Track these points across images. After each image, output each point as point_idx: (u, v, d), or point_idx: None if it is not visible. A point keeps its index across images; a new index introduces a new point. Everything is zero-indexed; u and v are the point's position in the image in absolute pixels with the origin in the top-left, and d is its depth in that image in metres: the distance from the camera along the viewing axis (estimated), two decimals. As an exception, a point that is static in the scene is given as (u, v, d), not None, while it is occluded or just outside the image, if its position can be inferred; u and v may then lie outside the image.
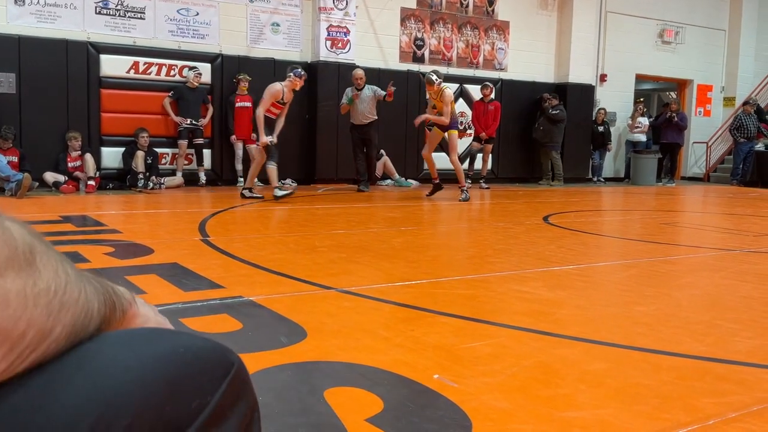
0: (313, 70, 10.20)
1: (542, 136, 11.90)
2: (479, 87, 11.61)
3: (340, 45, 10.32)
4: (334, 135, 10.33)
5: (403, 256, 4.40)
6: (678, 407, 1.90)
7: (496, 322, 2.79)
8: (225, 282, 3.32)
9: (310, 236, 5.15)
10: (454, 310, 2.95)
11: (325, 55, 10.26)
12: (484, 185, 10.82)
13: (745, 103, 13.73)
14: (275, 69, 9.97)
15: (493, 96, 10.96)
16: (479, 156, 10.96)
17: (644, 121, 13.40)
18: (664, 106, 14.78)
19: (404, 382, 2.04)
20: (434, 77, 8.00)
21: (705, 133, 14.85)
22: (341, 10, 10.27)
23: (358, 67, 10.30)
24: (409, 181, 10.76)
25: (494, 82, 11.91)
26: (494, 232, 5.98)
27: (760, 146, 13.13)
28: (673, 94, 15.86)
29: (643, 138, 13.47)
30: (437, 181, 8.77)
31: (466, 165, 10.59)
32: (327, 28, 10.23)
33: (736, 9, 14.87)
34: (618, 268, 4.40)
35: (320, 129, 10.33)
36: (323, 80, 10.30)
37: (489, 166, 11.26)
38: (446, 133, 8.33)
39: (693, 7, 14.28)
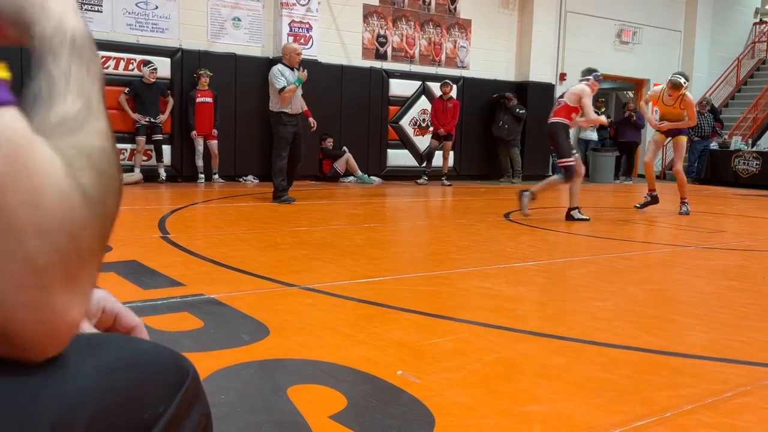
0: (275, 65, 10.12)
1: (507, 134, 12.04)
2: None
3: (302, 41, 10.25)
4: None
5: (365, 253, 4.40)
6: (635, 400, 1.94)
7: (458, 318, 2.81)
8: (185, 280, 3.28)
9: (272, 233, 5.12)
10: (417, 307, 2.97)
11: (288, 50, 10.18)
12: (446, 182, 10.87)
13: (700, 103, 14.09)
14: (236, 64, 9.86)
15: (453, 94, 11.03)
16: (438, 153, 11.01)
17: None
18: (623, 105, 15.08)
19: (367, 378, 2.04)
20: (682, 80, 6.87)
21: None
22: (303, 5, 10.21)
23: (319, 62, 10.26)
24: (372, 177, 10.77)
25: (456, 80, 11.99)
26: (456, 229, 6.02)
27: (714, 145, 13.48)
28: (631, 94, 16.18)
29: (594, 136, 13.68)
30: (654, 193, 7.49)
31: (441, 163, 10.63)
32: (289, 24, 10.16)
33: (691, 11, 15.24)
34: (576, 264, 4.48)
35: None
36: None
37: (450, 163, 11.32)
38: (673, 139, 7.24)
39: (650, 9, 14.58)
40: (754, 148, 13.07)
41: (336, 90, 10.76)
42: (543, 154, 13.20)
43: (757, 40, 16.97)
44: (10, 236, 0.47)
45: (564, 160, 6.32)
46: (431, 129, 11.31)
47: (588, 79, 6.51)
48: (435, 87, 11.76)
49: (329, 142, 10.62)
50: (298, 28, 10.25)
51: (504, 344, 2.49)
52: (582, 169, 6.48)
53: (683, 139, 7.14)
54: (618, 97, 18.59)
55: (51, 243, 0.49)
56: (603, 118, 7.20)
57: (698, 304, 3.32)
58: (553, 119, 6.37)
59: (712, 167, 13.30)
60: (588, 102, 6.33)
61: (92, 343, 0.62)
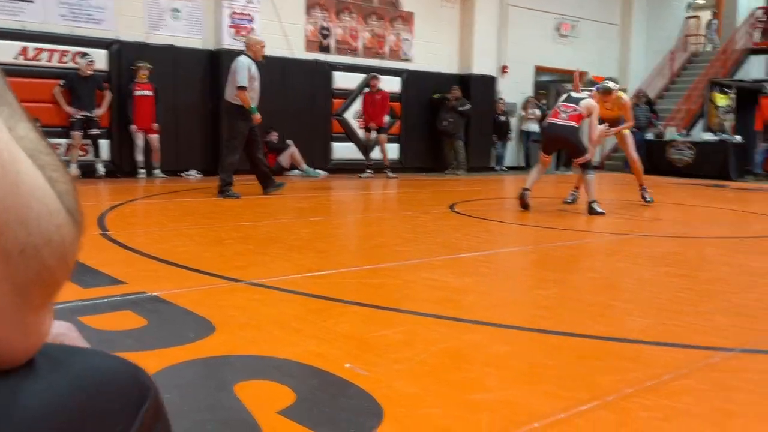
0: (217, 58, 9.94)
1: (452, 128, 12.17)
2: (386, 77, 11.70)
3: (244, 33, 10.09)
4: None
5: (312, 247, 4.38)
6: (579, 386, 1.99)
7: (405, 310, 2.82)
8: (127, 277, 3.19)
9: (217, 229, 5.03)
10: (364, 299, 2.97)
11: (229, 42, 10.01)
12: (390, 174, 10.89)
13: (636, 95, 14.51)
14: (176, 57, 9.63)
15: (381, 86, 11.02)
16: (378, 147, 10.99)
17: (537, 112, 13.83)
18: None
19: (316, 372, 2.03)
20: (611, 84, 6.99)
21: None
22: (244, -4, 10.05)
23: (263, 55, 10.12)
24: (317, 171, 10.70)
25: (401, 72, 12.02)
26: (402, 221, 6.04)
27: (650, 136, 13.91)
28: (570, 86, 16.53)
29: (536, 128, 13.93)
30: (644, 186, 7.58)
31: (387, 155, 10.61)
32: (230, 15, 9.99)
33: (627, 5, 15.66)
34: (520, 253, 4.56)
35: (225, 119, 10.09)
36: (228, 69, 10.04)
37: (391, 155, 11.32)
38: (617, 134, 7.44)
39: (587, 2, 14.92)
40: (688, 138, 13.54)
41: (279, 83, 10.64)
42: (487, 146, 13.39)
43: (689, 33, 17.57)
44: None
45: (582, 158, 6.44)
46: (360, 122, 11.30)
47: (591, 91, 6.75)
48: (380, 79, 11.75)
49: (273, 136, 10.50)
50: (239, 19, 10.08)
51: (451, 334, 2.51)
52: (547, 161, 6.66)
53: (626, 131, 7.35)
54: (558, 89, 18.96)
55: (36, 261, 0.47)
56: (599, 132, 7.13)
57: (638, 291, 3.43)
58: (565, 123, 6.41)
59: (648, 157, 13.70)
60: (595, 120, 6.55)
61: (49, 357, 0.58)
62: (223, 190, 7.02)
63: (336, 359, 2.13)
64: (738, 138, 12.91)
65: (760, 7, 16.33)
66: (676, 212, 7.34)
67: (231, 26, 10.01)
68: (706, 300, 3.19)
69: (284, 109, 10.70)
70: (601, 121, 7.09)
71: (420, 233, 5.22)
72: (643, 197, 7.34)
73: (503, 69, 13.60)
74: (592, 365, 2.20)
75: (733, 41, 16.17)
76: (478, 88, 12.92)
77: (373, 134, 11.02)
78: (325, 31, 11.27)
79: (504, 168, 13.65)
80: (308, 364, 2.08)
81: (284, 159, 10.47)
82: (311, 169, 10.49)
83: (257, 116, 7.15)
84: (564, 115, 6.38)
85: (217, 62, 9.93)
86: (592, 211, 6.26)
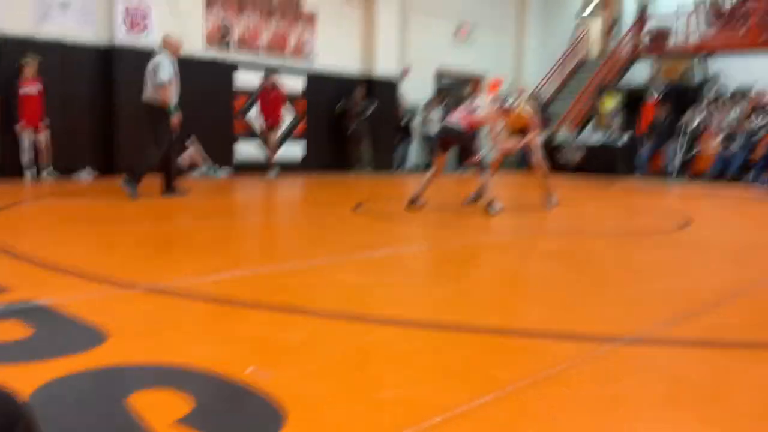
0: (110, 53, 9.52)
1: (360, 132, 12.25)
2: (289, 77, 11.60)
3: (138, 28, 9.72)
4: (137, 123, 9.74)
5: (213, 249, 4.27)
6: (479, 379, 2.05)
7: (309, 311, 2.81)
8: (12, 285, 3.00)
9: (111, 232, 4.82)
10: (267, 302, 2.93)
11: (123, 38, 9.61)
12: (272, 175, 10.52)
13: (531, 98, 15.09)
14: (65, 52, 9.14)
15: (284, 84, 10.92)
16: (290, 146, 10.93)
17: (438, 115, 14.08)
18: (461, 101, 15.76)
19: (217, 378, 1.98)
20: (510, 100, 7.02)
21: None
22: (139, -10, 9.67)
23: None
24: (220, 171, 10.46)
25: (304, 72, 11.94)
26: (307, 222, 6.01)
27: (543, 137, 14.48)
28: (469, 89, 16.97)
29: (436, 130, 14.22)
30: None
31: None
32: (124, 9, 9.58)
33: (521, 10, 16.26)
34: (423, 252, 4.63)
35: (120, 117, 9.68)
36: (122, 65, 9.64)
37: (296, 154, 11.20)
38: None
39: (484, 7, 15.37)
40: (579, 139, 14.21)
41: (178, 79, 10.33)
42: (390, 147, 13.53)
43: (579, 39, 18.44)
44: None
45: (476, 156, 6.55)
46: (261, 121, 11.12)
47: (496, 104, 6.84)
48: (282, 78, 11.63)
49: (172, 135, 10.18)
50: (134, 13, 9.70)
51: (355, 334, 2.52)
52: (442, 161, 6.76)
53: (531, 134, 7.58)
54: (458, 92, 19.42)
55: None
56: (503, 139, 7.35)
57: (532, 285, 3.56)
58: (459, 122, 6.49)
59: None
60: (497, 130, 6.83)
61: None
62: (129, 181, 6.81)
63: (238, 363, 2.09)
64: (625, 139, 13.68)
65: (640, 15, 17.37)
66: (568, 210, 7.68)
67: (125, 21, 9.61)
68: (596, 293, 3.36)
69: (183, 107, 10.40)
70: (506, 126, 7.31)
71: (325, 233, 5.21)
72: (549, 202, 7.49)
73: (405, 71, 13.79)
74: (492, 358, 2.27)
75: (620, 48, 17.11)
76: (381, 90, 13.04)
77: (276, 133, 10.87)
78: (226, 28, 11.03)
79: (407, 168, 13.84)
80: (208, 370, 2.03)
81: (184, 159, 10.17)
82: (213, 168, 10.24)
83: (176, 117, 7.06)
84: (459, 115, 6.55)
85: (109, 58, 9.52)
86: (489, 210, 6.46)
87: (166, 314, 2.70)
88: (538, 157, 7.49)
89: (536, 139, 7.51)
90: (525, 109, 7.24)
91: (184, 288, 3.10)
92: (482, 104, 6.78)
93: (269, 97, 10.75)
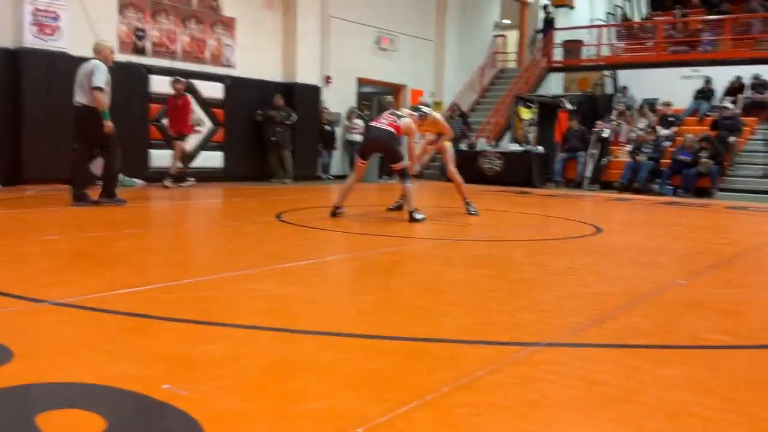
0: (17, 58, 9.07)
1: (281, 141, 12.15)
2: (208, 83, 11.39)
3: (48, 31, 9.31)
4: (46, 130, 9.31)
5: (127, 261, 4.12)
6: (400, 388, 2.05)
7: (229, 323, 2.74)
8: None
9: (16, 244, 4.57)
10: (185, 315, 2.84)
11: (31, 41, 9.18)
12: (168, 184, 9.96)
13: (451, 108, 15.40)
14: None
15: (185, 91, 10.48)
16: (211, 154, 10.63)
17: (360, 123, 14.17)
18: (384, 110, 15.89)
19: (130, 396, 1.91)
20: (424, 108, 7.21)
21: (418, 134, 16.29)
22: (48, -8, 9.28)
23: (70, 56, 9.43)
24: (134, 180, 10.12)
25: (223, 78, 11.74)
26: (227, 232, 5.89)
27: (463, 146, 14.79)
28: (391, 98, 17.13)
29: (359, 138, 14.28)
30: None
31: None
32: (32, 12, 9.16)
33: (441, 21, 16.57)
34: (345, 261, 4.63)
35: (28, 124, 9.22)
36: (30, 70, 9.21)
37: (214, 163, 10.95)
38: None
39: (405, 18, 15.57)
40: (497, 149, 14.58)
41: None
42: (313, 155, 13.47)
43: (496, 51, 18.96)
44: None
45: (399, 164, 6.53)
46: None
47: (413, 115, 6.90)
48: (201, 85, 11.40)
49: (84, 143, 9.78)
50: (43, 16, 9.29)
51: (277, 345, 2.48)
52: (362, 167, 6.75)
53: (447, 144, 7.71)
54: (379, 101, 19.59)
55: None
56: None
57: (454, 292, 3.62)
58: (384, 126, 6.50)
59: (462, 166, 14.54)
60: (413, 141, 6.89)
61: None
62: (110, 195, 7.12)
63: (153, 380, 2.02)
64: (540, 149, 14.13)
65: (536, 30, 18.07)
66: (486, 218, 7.85)
67: (33, 23, 9.19)
68: (514, 299, 3.44)
69: (95, 114, 10.03)
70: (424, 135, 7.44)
71: (245, 243, 5.12)
72: (468, 211, 7.62)
73: (327, 79, 13.78)
74: (413, 366, 2.28)
75: (535, 60, 17.70)
76: (303, 98, 12.98)
77: (188, 141, 10.46)
78: (140, 33, 10.71)
79: (330, 176, 13.81)
80: (122, 388, 1.95)
81: (95, 166, 9.77)
82: (127, 177, 9.88)
83: (109, 124, 7.03)
84: (384, 121, 6.59)
85: (16, 62, 9.08)
86: (412, 219, 6.52)
87: (76, 330, 2.58)
88: (451, 166, 7.64)
89: (450, 149, 7.66)
90: (437, 116, 7.40)
91: (95, 302, 2.97)
92: (403, 113, 6.87)
93: (177, 103, 10.33)
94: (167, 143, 10.55)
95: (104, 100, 6.94)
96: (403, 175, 6.58)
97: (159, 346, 2.39)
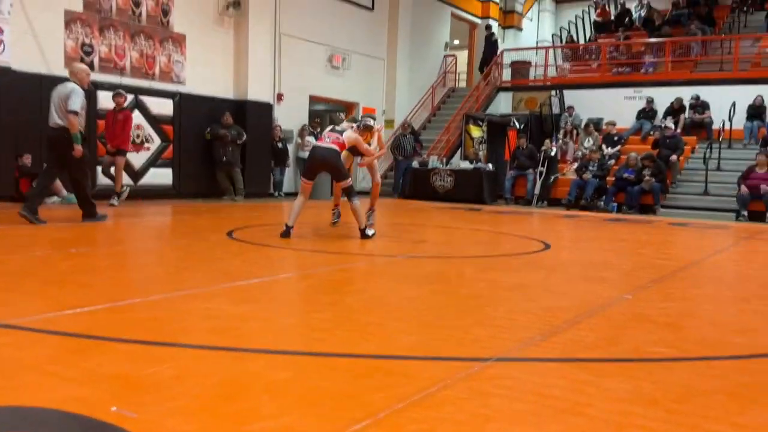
0: (-45, 71, 8.80)
1: (232, 159, 12.06)
2: (157, 99, 11.24)
3: (-10, 45, 9.06)
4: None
5: (73, 281, 4.02)
6: (353, 405, 2.05)
7: (179, 344, 2.70)
8: None
9: (-45, 264, 4.41)
10: (134, 335, 2.79)
11: (-29, 55, 8.93)
12: (114, 202, 9.58)
13: (403, 126, 15.55)
14: None
15: (126, 105, 10.14)
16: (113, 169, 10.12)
17: (312, 140, 14.14)
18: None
19: (76, 419, 1.86)
20: (372, 122, 7.26)
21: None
22: (-9, 5, 9.03)
23: (12, 70, 9.20)
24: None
25: (173, 95, 11.60)
26: (177, 250, 5.80)
27: (415, 164, 14.92)
28: (342, 115, 17.19)
29: None
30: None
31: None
32: (-28, 25, 8.91)
33: (392, 41, 16.75)
34: (297, 278, 4.60)
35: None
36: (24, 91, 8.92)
37: (164, 180, 10.75)
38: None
39: (356, 36, 15.68)
40: (448, 167, 14.76)
41: (34, 101, 9.70)
42: (265, 172, 13.38)
43: (447, 70, 19.25)
44: None
45: (345, 182, 6.52)
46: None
47: (351, 127, 6.98)
48: (149, 101, 11.24)
49: (27, 159, 9.52)
50: (-16, 30, 9.03)
51: (228, 365, 2.45)
52: (308, 188, 6.69)
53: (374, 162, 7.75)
54: (331, 118, 19.63)
55: None
56: (375, 151, 7.49)
57: (406, 309, 3.64)
58: (328, 146, 6.51)
59: (414, 184, 14.69)
60: (365, 146, 6.96)
61: None
62: (92, 215, 7.34)
63: (100, 403, 1.97)
64: (490, 166, 14.36)
65: (499, 54, 18.44)
66: (438, 234, 7.93)
67: (-27, 36, 8.93)
68: (465, 314, 3.48)
69: (40, 130, 9.80)
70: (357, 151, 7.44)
71: (196, 261, 5.05)
72: (368, 218, 7.60)
73: (279, 97, 13.75)
74: (366, 384, 2.28)
75: (484, 80, 18.03)
76: (255, 115, 12.91)
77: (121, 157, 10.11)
78: (87, 48, 10.51)
79: (282, 194, 13.74)
80: (68, 411, 1.90)
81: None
82: (72, 195, 9.63)
83: (79, 148, 7.06)
84: (328, 140, 6.62)
85: (-45, 76, 8.80)
86: (364, 236, 6.54)
87: (18, 352, 2.50)
88: (377, 176, 7.70)
89: (375, 161, 7.75)
90: (377, 127, 7.47)
91: (39, 323, 2.89)
92: (344, 128, 6.93)
93: (117, 117, 9.92)
94: (106, 159, 10.16)
95: (77, 123, 6.98)
96: (350, 193, 6.57)
97: (106, 367, 2.34)
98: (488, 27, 19.16)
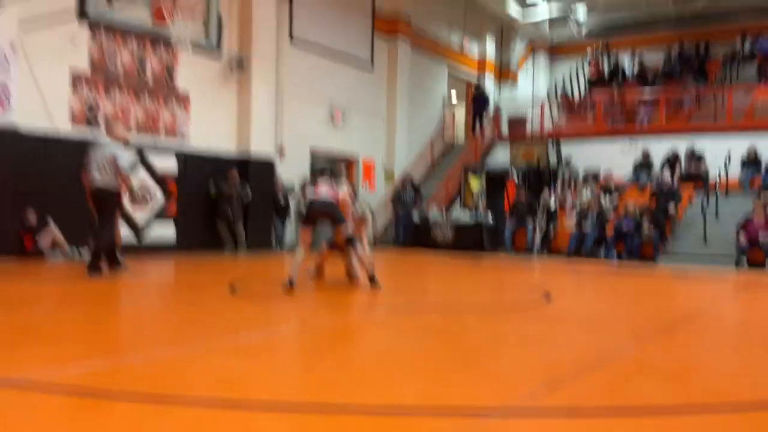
0: (-37, 130, 8.96)
1: (235, 216, 12.20)
2: (162, 156, 11.40)
3: (-3, 104, 9.26)
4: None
5: (76, 338, 4.03)
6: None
7: (182, 400, 2.71)
8: None
9: (-40, 322, 4.43)
10: (136, 392, 2.80)
11: (-21, 114, 9.11)
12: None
13: (402, 179, 15.73)
14: None
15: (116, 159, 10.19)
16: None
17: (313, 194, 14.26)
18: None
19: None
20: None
21: (370, 204, 16.50)
22: (-1, 66, 9.26)
23: (18, 129, 9.38)
24: (84, 253, 9.90)
25: (177, 152, 11.77)
26: (179, 305, 5.82)
27: (416, 218, 15.03)
28: (343, 168, 17.36)
29: None
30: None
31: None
32: (-19, 85, 9.12)
33: (391, 98, 17.08)
34: (300, 331, 4.62)
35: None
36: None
37: (167, 234, 10.84)
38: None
39: (356, 94, 16.00)
40: (449, 220, 14.86)
41: (40, 159, 9.85)
42: (267, 226, 13.47)
43: (444, 125, 19.56)
44: None
45: (345, 225, 6.63)
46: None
47: (349, 190, 7.20)
48: (154, 158, 11.40)
49: (31, 215, 9.60)
50: (-7, 90, 9.24)
51: (233, 423, 2.46)
52: (307, 238, 6.78)
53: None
54: (332, 170, 19.82)
55: None
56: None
57: (409, 361, 3.65)
58: (326, 197, 6.66)
59: (415, 235, 14.78)
60: (349, 208, 7.07)
61: None
62: (94, 267, 7.37)
63: (109, 459, 1.98)
64: (490, 218, 14.46)
65: (496, 110, 18.75)
66: (440, 285, 7.94)
67: (-18, 96, 9.13)
68: (469, 367, 3.49)
69: (44, 186, 9.92)
70: None
71: (199, 316, 5.07)
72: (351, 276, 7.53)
73: (281, 152, 13.94)
74: (372, 439, 2.29)
75: (482, 133, 18.31)
76: (258, 171, 13.08)
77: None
78: (92, 106, 10.72)
79: (285, 247, 13.78)
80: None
81: (44, 240, 9.58)
82: (77, 250, 9.69)
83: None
84: (324, 192, 6.76)
85: (-37, 135, 8.95)
86: (373, 283, 6.59)
87: (20, 411, 2.51)
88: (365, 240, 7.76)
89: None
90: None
91: (40, 380, 2.90)
92: (342, 182, 7.07)
93: None
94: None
95: (129, 183, 7.69)
96: (352, 241, 6.66)
97: (109, 426, 2.35)
98: (477, 87, 19.54)
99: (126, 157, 7.52)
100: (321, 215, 6.75)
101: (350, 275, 7.41)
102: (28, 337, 3.99)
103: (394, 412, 2.62)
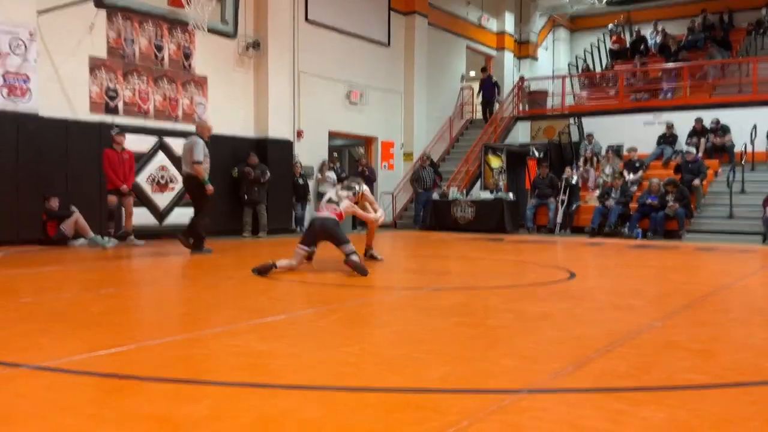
0: (-13, 119, 9.07)
1: (258, 198, 12.27)
2: (180, 140, 11.46)
3: (18, 93, 9.34)
4: (12, 190, 9.26)
5: (104, 322, 4.08)
6: (387, 440, 2.06)
7: (212, 381, 2.73)
8: None
9: (-11, 308, 4.50)
10: (166, 374, 2.82)
11: (2, 104, 9.20)
12: (137, 242, 9.81)
13: (422, 158, 15.65)
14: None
15: (125, 145, 9.99)
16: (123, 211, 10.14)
17: (332, 175, 14.29)
18: (356, 161, 16.13)
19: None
20: (357, 187, 7.36)
21: (390, 184, 16.48)
22: (19, 55, 9.33)
23: (41, 117, 9.46)
24: (107, 239, 10.01)
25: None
26: (203, 288, 5.86)
27: (436, 196, 14.98)
28: (362, 150, 17.36)
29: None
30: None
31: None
32: (3, 75, 9.20)
33: (409, 75, 16.95)
34: (324, 313, 4.62)
35: (-3, 184, 9.16)
36: (0, 130, 9.20)
37: (187, 218, 10.87)
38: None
39: (373, 72, 15.91)
40: (468, 198, 14.78)
41: (61, 146, 9.95)
42: (287, 208, 13.52)
43: (464, 102, 19.40)
44: None
45: (346, 246, 6.47)
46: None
47: (349, 195, 7.14)
48: (173, 142, 11.45)
49: (54, 203, 9.72)
50: (14, 79, 9.33)
51: (260, 402, 2.47)
52: (301, 258, 6.79)
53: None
54: (350, 152, 19.83)
55: None
56: (373, 216, 7.55)
57: (433, 341, 3.63)
58: (327, 216, 6.68)
59: (435, 215, 14.73)
60: (362, 213, 7.34)
61: None
62: (198, 246, 8.51)
63: (138, 442, 2.00)
64: (511, 196, 14.36)
65: (520, 80, 18.57)
66: (462, 265, 7.91)
67: (3, 86, 9.22)
68: (494, 346, 3.48)
69: (66, 173, 10.03)
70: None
71: (224, 299, 5.10)
72: (373, 256, 7.70)
73: (299, 133, 13.93)
74: (398, 419, 2.29)
75: (502, 110, 18.14)
76: (276, 152, 13.10)
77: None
78: (111, 93, 10.78)
79: (305, 228, 13.82)
80: (107, 451, 1.93)
81: (67, 227, 9.70)
82: (100, 237, 9.79)
83: (210, 187, 8.50)
84: (326, 212, 6.74)
85: (-14, 123, 9.06)
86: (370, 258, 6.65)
87: (56, 394, 2.54)
88: (370, 216, 7.67)
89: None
90: (365, 189, 7.52)
91: (75, 364, 2.94)
92: (341, 197, 7.00)
93: (121, 158, 9.80)
94: (109, 201, 9.96)
95: (202, 172, 8.36)
96: (350, 252, 6.58)
97: (142, 407, 2.37)
98: (484, 69, 19.32)
99: (201, 149, 8.29)
100: (321, 236, 6.74)
101: (371, 256, 7.42)
102: (59, 322, 4.04)
103: (419, 392, 2.61)
